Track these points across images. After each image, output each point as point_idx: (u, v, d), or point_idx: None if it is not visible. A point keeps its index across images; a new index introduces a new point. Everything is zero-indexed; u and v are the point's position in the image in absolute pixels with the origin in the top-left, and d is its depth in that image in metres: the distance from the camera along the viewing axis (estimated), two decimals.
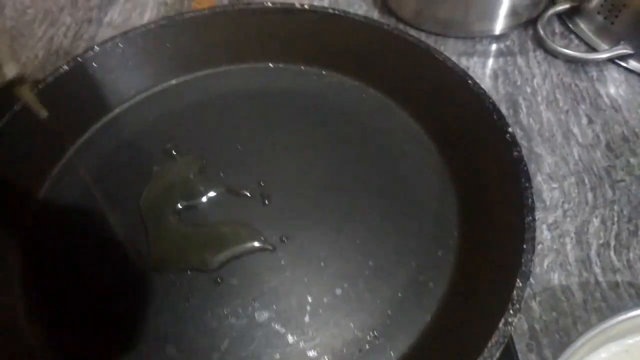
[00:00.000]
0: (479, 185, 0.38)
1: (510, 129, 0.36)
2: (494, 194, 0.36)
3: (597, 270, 0.39)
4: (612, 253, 0.40)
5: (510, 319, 0.28)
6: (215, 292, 0.35)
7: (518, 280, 0.29)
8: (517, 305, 0.29)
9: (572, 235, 0.41)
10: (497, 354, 0.27)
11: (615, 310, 0.36)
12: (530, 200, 0.32)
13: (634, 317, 0.31)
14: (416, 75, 0.43)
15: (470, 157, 0.39)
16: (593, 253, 0.40)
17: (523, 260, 0.30)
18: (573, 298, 0.38)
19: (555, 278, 0.39)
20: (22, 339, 0.33)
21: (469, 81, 0.39)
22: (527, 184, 0.33)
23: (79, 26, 0.59)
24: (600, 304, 0.37)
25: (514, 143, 0.35)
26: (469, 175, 0.39)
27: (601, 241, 0.40)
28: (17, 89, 0.28)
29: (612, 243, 0.40)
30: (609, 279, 0.38)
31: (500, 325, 0.28)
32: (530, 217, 0.32)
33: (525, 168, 0.34)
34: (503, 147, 0.36)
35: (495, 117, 0.37)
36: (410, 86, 0.44)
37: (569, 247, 0.40)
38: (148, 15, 0.59)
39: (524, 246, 0.31)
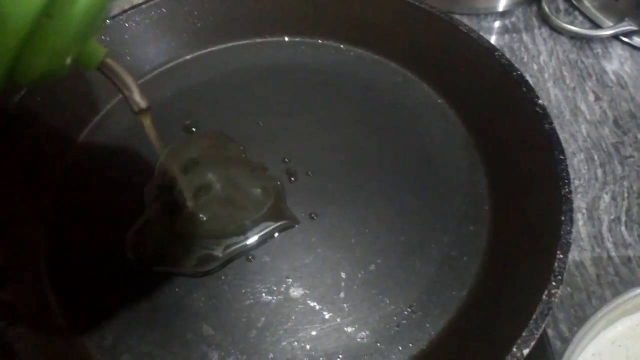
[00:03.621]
0: (508, 158, 0.37)
1: (540, 101, 0.36)
2: (525, 167, 0.36)
3: (609, 245, 0.39)
4: (623, 228, 0.40)
5: (553, 291, 0.28)
6: (248, 270, 0.35)
7: (559, 252, 0.29)
8: (560, 277, 0.29)
9: (584, 211, 0.41)
10: (543, 326, 0.27)
11: (628, 285, 0.37)
12: (565, 172, 0.32)
13: None
14: (438, 48, 0.42)
15: (498, 131, 0.39)
16: (605, 228, 0.40)
17: (562, 232, 0.30)
18: (587, 273, 0.38)
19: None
20: (55, 324, 0.33)
21: (495, 53, 0.39)
22: (561, 156, 0.33)
23: None
24: (614, 278, 0.38)
25: (545, 115, 0.35)
26: (497, 149, 0.38)
27: (612, 217, 0.41)
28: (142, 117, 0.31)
29: (623, 218, 0.41)
30: (621, 253, 0.39)
31: (544, 297, 0.28)
32: (567, 189, 0.31)
33: (559, 140, 0.34)
34: (534, 119, 0.35)
35: (524, 89, 0.37)
36: (432, 59, 0.43)
37: (580, 223, 0.40)
38: None
39: (563, 218, 0.30)
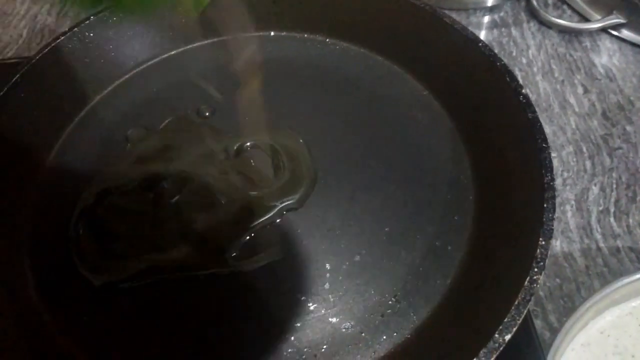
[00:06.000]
0: (492, 148, 0.37)
1: (524, 91, 0.36)
2: (509, 157, 0.36)
3: (598, 236, 0.39)
4: (612, 219, 0.40)
5: (535, 277, 0.28)
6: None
7: (541, 239, 0.29)
8: (542, 263, 0.29)
9: (572, 202, 0.41)
10: (524, 312, 0.27)
11: (617, 275, 0.37)
12: (548, 160, 0.32)
13: (636, 280, 0.32)
14: (423, 40, 0.42)
15: (483, 121, 0.39)
16: (593, 220, 0.40)
17: (545, 219, 0.30)
18: (575, 264, 0.38)
19: (558, 245, 0.39)
20: (35, 315, 0.32)
21: (480, 44, 0.39)
22: (544, 144, 0.33)
23: (63, 3, 0.57)
24: (602, 269, 0.38)
25: (528, 104, 0.35)
26: (481, 139, 0.38)
27: (601, 208, 0.41)
28: None
29: (612, 209, 0.41)
30: (609, 244, 0.39)
31: (526, 283, 0.28)
32: (550, 177, 0.31)
33: (542, 129, 0.34)
34: (517, 109, 0.35)
35: (507, 79, 0.37)
36: (417, 51, 0.43)
37: (569, 214, 0.40)
38: None
39: (545, 205, 0.30)
